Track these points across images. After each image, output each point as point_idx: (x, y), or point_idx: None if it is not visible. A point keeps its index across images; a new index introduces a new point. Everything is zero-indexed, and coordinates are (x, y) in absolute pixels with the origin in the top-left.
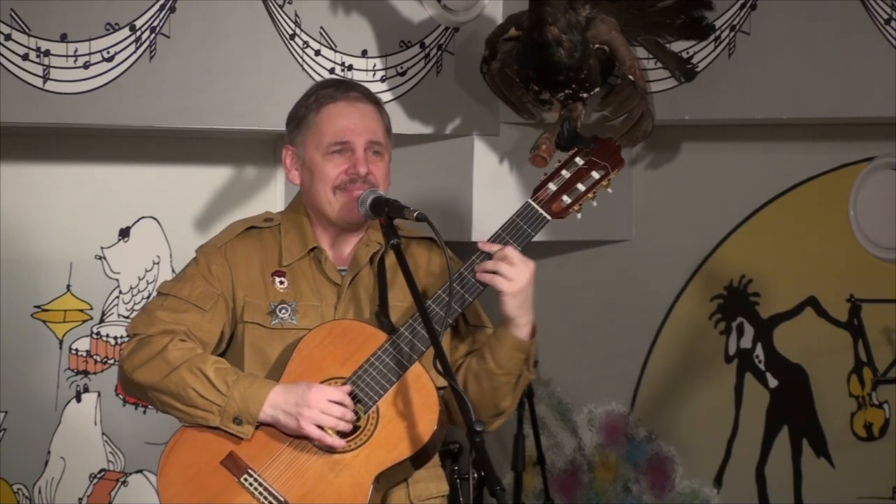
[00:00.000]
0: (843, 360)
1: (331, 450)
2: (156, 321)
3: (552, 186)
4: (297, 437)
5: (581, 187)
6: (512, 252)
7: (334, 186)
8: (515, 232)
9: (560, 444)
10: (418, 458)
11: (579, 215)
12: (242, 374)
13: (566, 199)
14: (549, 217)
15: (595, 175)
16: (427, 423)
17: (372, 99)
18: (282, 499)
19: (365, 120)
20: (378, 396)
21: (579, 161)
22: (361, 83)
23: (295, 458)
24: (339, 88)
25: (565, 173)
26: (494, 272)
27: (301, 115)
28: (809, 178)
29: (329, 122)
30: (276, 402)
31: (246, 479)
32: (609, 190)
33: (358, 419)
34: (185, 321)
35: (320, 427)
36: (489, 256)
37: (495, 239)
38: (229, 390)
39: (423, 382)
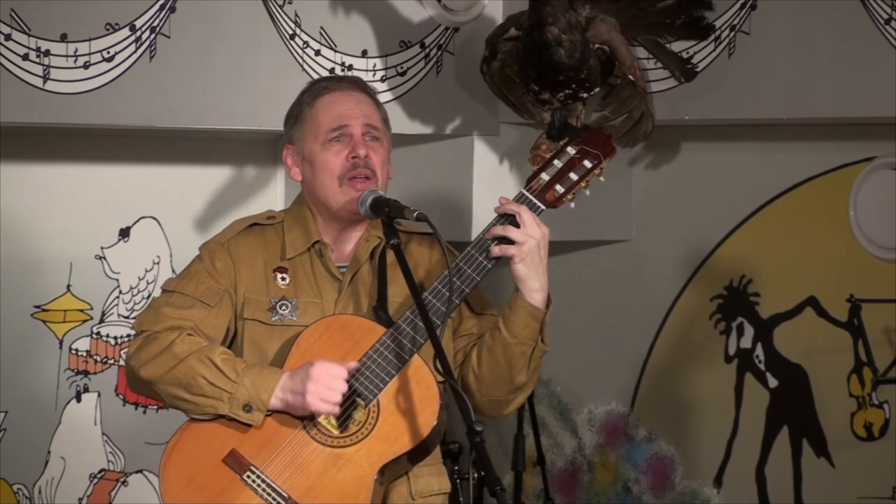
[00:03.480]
0: (843, 360)
1: (333, 443)
2: (162, 318)
3: (545, 176)
4: (307, 427)
5: (574, 176)
6: (525, 212)
7: (339, 177)
8: (511, 223)
9: (560, 444)
10: (419, 452)
11: (572, 204)
12: (251, 363)
13: (559, 188)
14: (543, 206)
15: (587, 164)
16: (428, 416)
17: (366, 90)
18: (285, 495)
19: (361, 106)
20: (378, 390)
21: (571, 150)
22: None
23: (297, 453)
24: (333, 80)
25: (557, 163)
26: (504, 234)
27: (297, 112)
28: (809, 178)
29: (325, 111)
30: (286, 386)
31: (248, 476)
32: (601, 179)
33: (349, 409)
34: (191, 317)
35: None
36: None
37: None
38: (239, 377)
39: (423, 374)
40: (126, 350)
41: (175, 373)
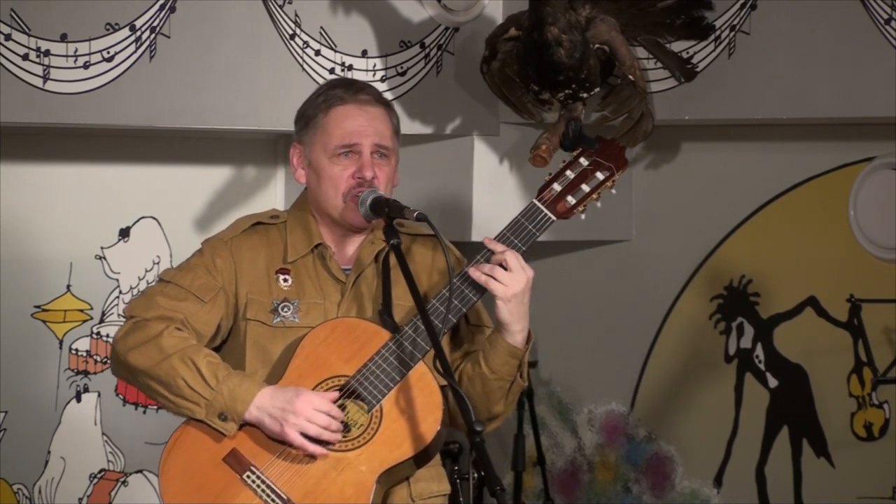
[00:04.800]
0: (843, 360)
1: (334, 447)
2: (154, 306)
3: (557, 187)
4: (280, 442)
5: (585, 188)
6: (511, 257)
7: (344, 193)
8: (520, 232)
9: (560, 444)
10: (420, 458)
11: (583, 216)
12: (234, 371)
13: (571, 199)
14: (553, 218)
15: (600, 176)
16: (430, 423)
17: (381, 101)
18: (284, 497)
19: (373, 123)
20: (382, 395)
21: (584, 162)
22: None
23: (298, 455)
24: (349, 90)
25: (570, 174)
26: (490, 276)
27: (310, 115)
28: (809, 178)
29: (337, 124)
30: (263, 404)
31: (248, 477)
32: (613, 191)
33: (347, 429)
34: (182, 310)
35: (305, 434)
36: (492, 254)
37: (500, 239)
38: (219, 385)
39: (427, 382)
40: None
41: (157, 369)
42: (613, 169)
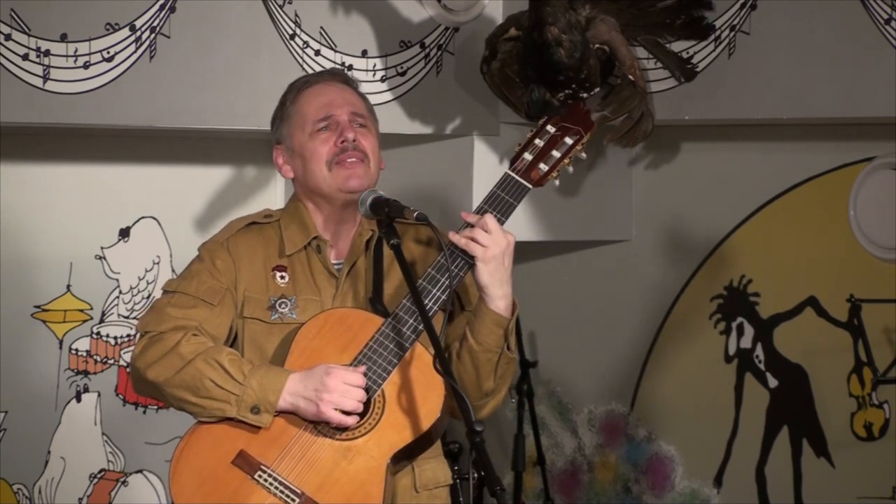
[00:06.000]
0: (843, 360)
1: (341, 436)
2: (166, 318)
3: (528, 156)
4: (314, 423)
5: (556, 154)
6: (490, 220)
7: (327, 162)
8: (498, 204)
9: (560, 444)
10: (424, 439)
11: (557, 182)
12: (257, 364)
13: (543, 166)
14: (529, 185)
15: (569, 140)
16: (434, 401)
17: (347, 80)
18: (298, 491)
19: (343, 94)
20: (382, 380)
21: (551, 129)
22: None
23: (306, 449)
24: (312, 75)
25: (539, 142)
26: (470, 238)
27: (281, 111)
28: (809, 178)
29: (309, 103)
30: (295, 390)
31: (260, 476)
32: (583, 155)
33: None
34: (194, 316)
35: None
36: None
37: (478, 212)
38: (246, 379)
39: (425, 361)
40: (126, 350)
41: (182, 375)
42: (581, 132)
